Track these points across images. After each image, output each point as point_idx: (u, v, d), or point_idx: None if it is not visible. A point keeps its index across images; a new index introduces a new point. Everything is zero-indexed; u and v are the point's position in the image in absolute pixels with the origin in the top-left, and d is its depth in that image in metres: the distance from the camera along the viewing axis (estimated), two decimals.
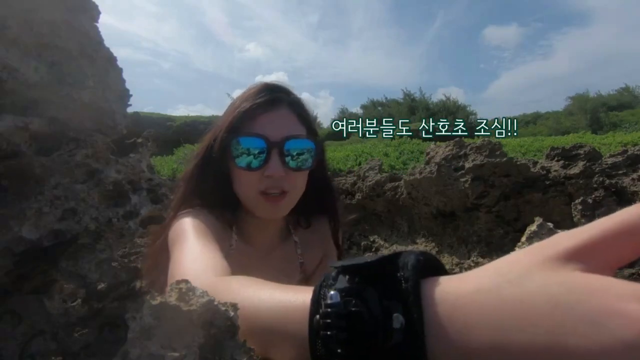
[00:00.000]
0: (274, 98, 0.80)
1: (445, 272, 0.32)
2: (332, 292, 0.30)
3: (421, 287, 0.28)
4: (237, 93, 0.88)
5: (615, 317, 0.21)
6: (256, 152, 0.77)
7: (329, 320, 0.29)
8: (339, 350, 0.28)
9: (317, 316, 0.30)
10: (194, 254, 0.63)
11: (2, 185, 0.81)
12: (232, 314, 0.34)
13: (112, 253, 0.99)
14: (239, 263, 0.85)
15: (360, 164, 5.09)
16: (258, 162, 0.77)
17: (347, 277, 0.31)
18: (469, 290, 0.26)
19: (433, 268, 0.31)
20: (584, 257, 0.25)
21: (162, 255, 0.74)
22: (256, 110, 0.78)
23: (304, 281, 0.93)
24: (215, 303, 0.33)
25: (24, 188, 0.80)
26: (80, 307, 0.91)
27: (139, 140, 1.20)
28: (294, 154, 0.79)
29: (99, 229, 0.94)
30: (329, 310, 0.29)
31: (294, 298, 0.35)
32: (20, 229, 0.75)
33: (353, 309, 0.28)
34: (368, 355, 0.27)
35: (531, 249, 0.27)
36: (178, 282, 0.34)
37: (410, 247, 3.15)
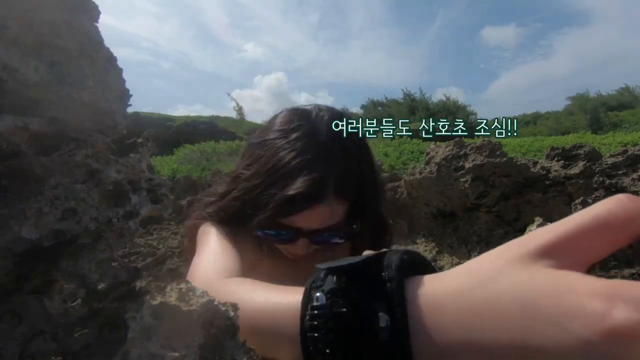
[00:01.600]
0: (318, 195, 0.70)
1: (431, 268, 0.33)
2: (318, 294, 0.30)
3: (405, 287, 0.29)
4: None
5: (576, 317, 0.21)
6: (284, 235, 0.74)
7: (315, 323, 0.29)
8: (327, 351, 0.28)
9: (307, 317, 0.31)
10: (209, 256, 0.65)
11: (2, 185, 0.81)
12: (232, 314, 0.34)
13: (112, 253, 0.99)
14: (270, 271, 0.82)
15: None
16: (284, 241, 0.74)
17: (334, 277, 0.31)
18: (446, 290, 0.27)
19: (418, 265, 0.32)
20: (556, 253, 0.25)
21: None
22: (295, 205, 0.70)
23: None
24: (215, 303, 0.33)
25: (24, 188, 0.81)
26: (80, 307, 0.91)
27: (139, 140, 1.20)
28: (326, 239, 0.75)
29: (99, 229, 0.94)
30: (315, 312, 0.30)
31: (286, 299, 0.36)
32: (20, 229, 0.75)
33: (339, 309, 0.29)
34: (356, 353, 0.28)
35: (507, 247, 0.27)
36: (178, 282, 0.34)
37: (410, 247, 3.16)
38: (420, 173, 3.00)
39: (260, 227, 0.73)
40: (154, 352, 0.30)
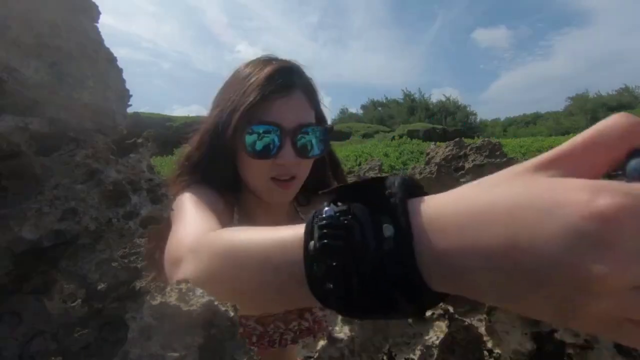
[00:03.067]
0: (288, 83, 0.79)
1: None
2: (326, 208, 0.31)
3: (408, 202, 0.29)
4: None
5: (565, 206, 0.22)
6: (269, 140, 0.76)
7: (325, 231, 0.30)
8: (334, 263, 0.29)
9: (312, 242, 0.31)
10: (190, 222, 0.65)
11: (2, 185, 0.81)
12: (232, 314, 0.34)
13: (112, 253, 0.98)
14: None
15: (360, 164, 5.09)
16: (271, 151, 0.76)
17: (338, 202, 0.32)
18: (449, 199, 0.28)
19: (418, 187, 0.32)
20: (559, 165, 0.26)
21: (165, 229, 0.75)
22: (270, 96, 0.76)
23: None
24: (216, 303, 0.33)
25: (24, 188, 0.80)
26: (80, 307, 0.91)
27: (139, 140, 1.20)
28: (306, 141, 0.79)
29: (99, 229, 0.94)
30: (324, 222, 0.30)
31: (286, 233, 0.36)
32: (20, 229, 0.75)
33: (346, 221, 0.29)
34: (362, 263, 0.28)
35: (516, 165, 0.28)
36: (178, 282, 0.34)
37: None
38: (420, 173, 3.00)
39: (245, 121, 0.76)
40: (154, 352, 0.30)
